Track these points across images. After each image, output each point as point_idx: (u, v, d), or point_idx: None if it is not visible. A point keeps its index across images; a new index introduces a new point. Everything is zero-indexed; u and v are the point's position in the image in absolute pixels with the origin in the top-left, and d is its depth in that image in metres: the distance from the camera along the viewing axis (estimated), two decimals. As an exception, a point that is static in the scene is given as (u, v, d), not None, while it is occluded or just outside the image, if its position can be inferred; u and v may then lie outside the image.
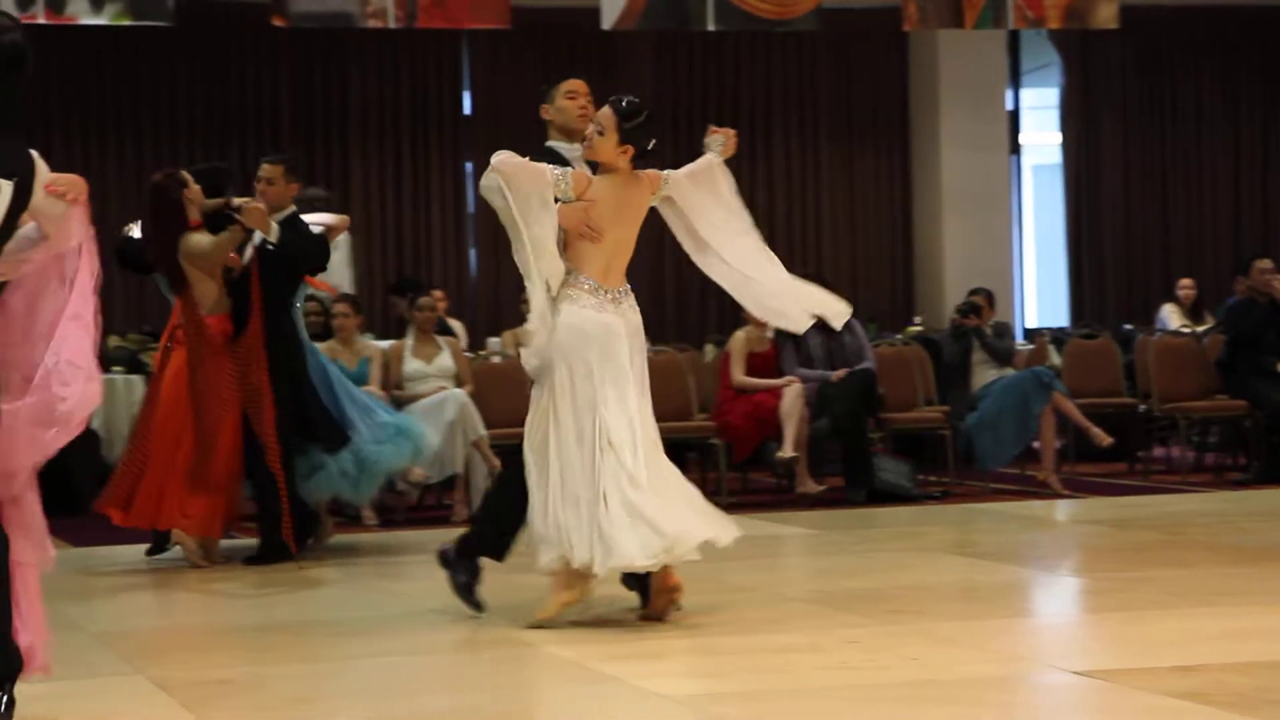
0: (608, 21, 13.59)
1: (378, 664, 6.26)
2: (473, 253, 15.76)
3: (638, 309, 6.97)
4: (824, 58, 16.08)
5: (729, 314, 14.61)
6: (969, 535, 10.02)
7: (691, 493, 6.88)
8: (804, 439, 11.34)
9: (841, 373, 11.53)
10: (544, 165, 6.83)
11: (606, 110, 6.95)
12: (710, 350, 13.34)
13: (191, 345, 8.91)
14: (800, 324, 7.45)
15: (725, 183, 7.29)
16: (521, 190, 6.71)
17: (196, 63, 14.75)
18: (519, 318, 12.76)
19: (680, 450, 12.18)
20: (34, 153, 4.81)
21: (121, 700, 5.70)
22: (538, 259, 6.71)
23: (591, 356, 6.71)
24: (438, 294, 12.77)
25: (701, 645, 6.35)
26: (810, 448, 11.42)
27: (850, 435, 11.47)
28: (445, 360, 11.26)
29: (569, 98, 7.38)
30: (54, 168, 4.98)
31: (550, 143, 7.29)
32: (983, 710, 5.27)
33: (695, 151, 17.18)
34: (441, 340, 11.46)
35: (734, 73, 16.03)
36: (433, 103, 15.55)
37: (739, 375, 11.62)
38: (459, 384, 11.16)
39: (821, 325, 11.67)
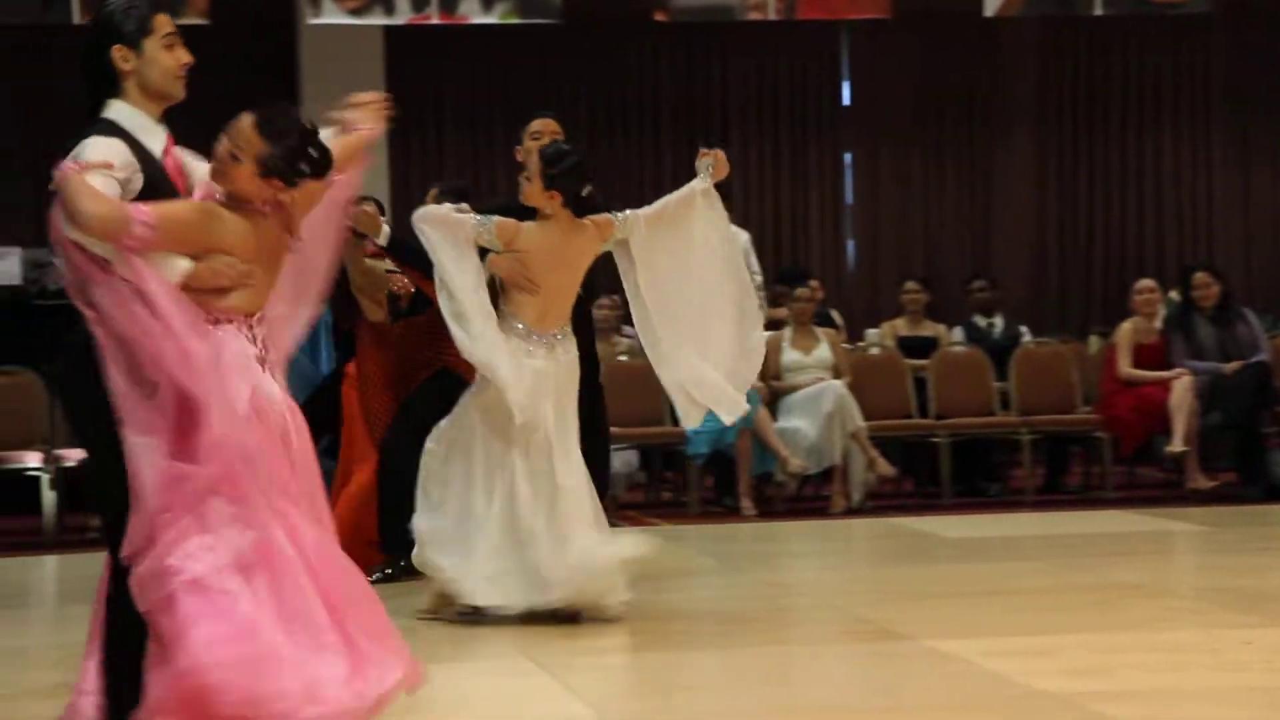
0: (991, 8, 13.37)
1: (754, 653, 6.27)
2: (851, 244, 15.71)
3: (575, 348, 6.88)
4: (1217, 39, 15.54)
5: (1114, 304, 14.24)
6: (1374, 536, 9.57)
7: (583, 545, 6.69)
8: (1194, 433, 11.03)
9: (1235, 365, 11.18)
10: (466, 217, 6.75)
11: (535, 155, 6.92)
12: (1095, 341, 13.03)
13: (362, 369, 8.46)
14: (687, 418, 7.07)
15: (703, 218, 7.06)
16: (439, 243, 6.65)
17: (581, 59, 15.03)
18: (897, 309, 12.70)
19: (1063, 444, 11.97)
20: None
21: (506, 680, 5.84)
22: (468, 309, 6.62)
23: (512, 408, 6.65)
24: (814, 284, 12.76)
25: (1088, 642, 6.19)
26: (1201, 442, 11.11)
27: (1244, 429, 11.11)
28: (824, 352, 11.24)
29: (533, 139, 7.32)
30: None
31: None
32: (1390, 719, 5.02)
33: (1077, 143, 16.75)
34: (820, 332, 11.45)
35: (1121, 58, 15.61)
36: (812, 94, 15.54)
37: (1126, 367, 11.34)
38: (837, 375, 11.13)
39: (1214, 316, 11.45)
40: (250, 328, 4.40)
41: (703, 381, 6.99)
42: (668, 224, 7.04)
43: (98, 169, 4.27)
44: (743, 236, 12.68)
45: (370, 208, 7.93)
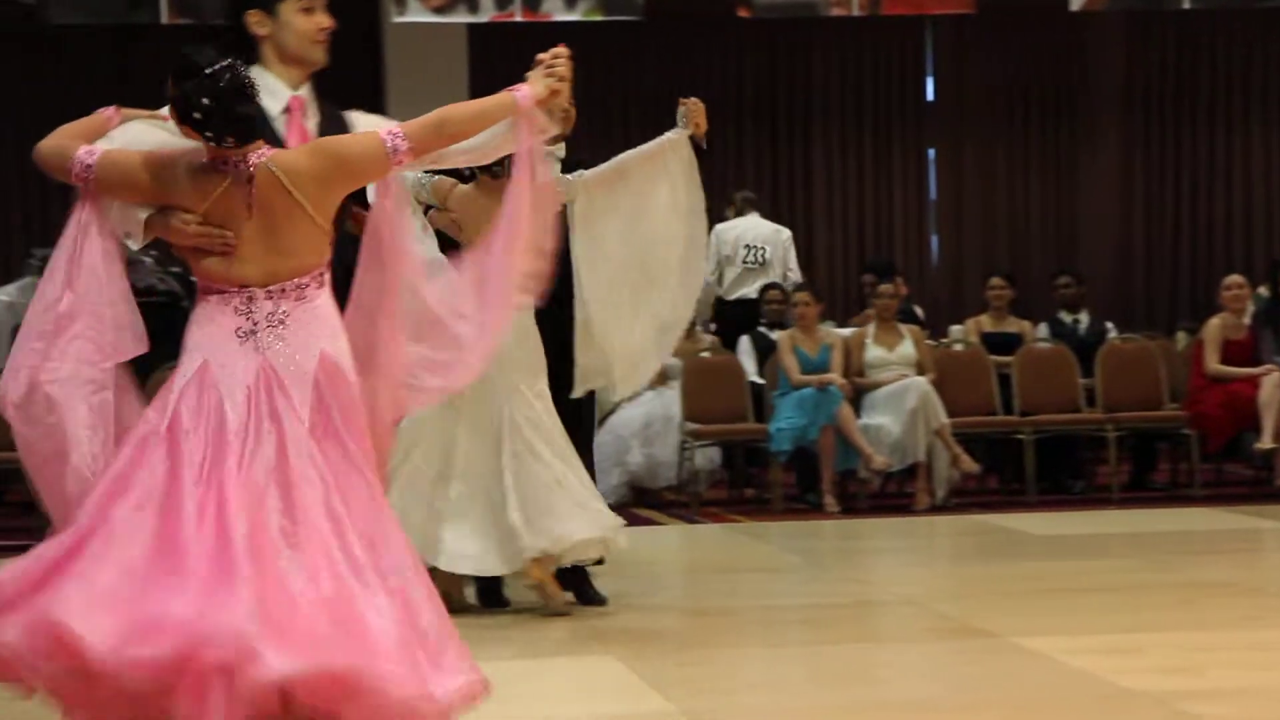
0: (1076, 3, 13.27)
1: (838, 650, 6.26)
2: (934, 240, 15.64)
3: (528, 310, 6.55)
4: (1308, 32, 15.37)
5: (1202, 300, 14.11)
6: None
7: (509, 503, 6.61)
8: (1284, 430, 10.91)
9: (1324, 361, 11.06)
10: (407, 173, 6.62)
11: None
12: (1182, 337, 12.91)
13: None
14: (580, 387, 6.88)
15: (669, 177, 6.70)
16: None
17: (663, 56, 15.03)
18: (981, 304, 12.62)
19: (1150, 441, 11.86)
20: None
21: (585, 674, 5.84)
22: None
23: None
24: (898, 280, 12.70)
25: (1176, 640, 6.14)
26: (1290, 439, 10.98)
27: (1334, 427, 10.97)
28: (907, 348, 11.18)
29: None
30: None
31: None
32: None
33: (1164, 137, 16.48)
34: (903, 328, 11.39)
35: (1209, 51, 15.46)
36: (895, 89, 15.49)
37: (1214, 363, 11.23)
38: (920, 372, 11.07)
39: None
40: (249, 300, 4.05)
41: (614, 361, 6.77)
42: (624, 182, 6.75)
43: (144, 117, 4.21)
44: (784, 234, 12.62)
45: None
